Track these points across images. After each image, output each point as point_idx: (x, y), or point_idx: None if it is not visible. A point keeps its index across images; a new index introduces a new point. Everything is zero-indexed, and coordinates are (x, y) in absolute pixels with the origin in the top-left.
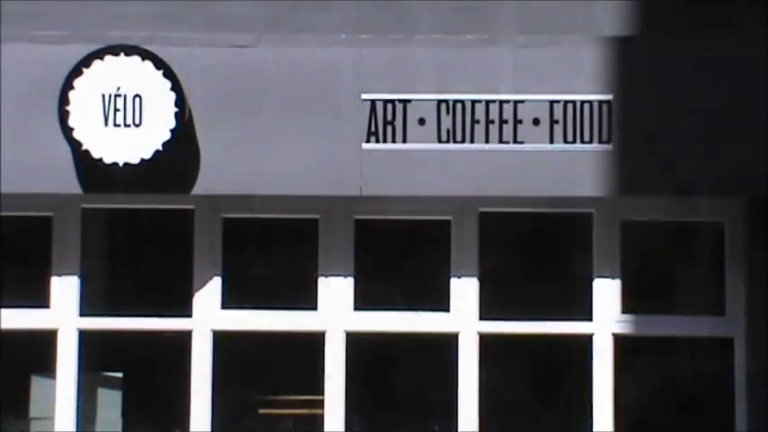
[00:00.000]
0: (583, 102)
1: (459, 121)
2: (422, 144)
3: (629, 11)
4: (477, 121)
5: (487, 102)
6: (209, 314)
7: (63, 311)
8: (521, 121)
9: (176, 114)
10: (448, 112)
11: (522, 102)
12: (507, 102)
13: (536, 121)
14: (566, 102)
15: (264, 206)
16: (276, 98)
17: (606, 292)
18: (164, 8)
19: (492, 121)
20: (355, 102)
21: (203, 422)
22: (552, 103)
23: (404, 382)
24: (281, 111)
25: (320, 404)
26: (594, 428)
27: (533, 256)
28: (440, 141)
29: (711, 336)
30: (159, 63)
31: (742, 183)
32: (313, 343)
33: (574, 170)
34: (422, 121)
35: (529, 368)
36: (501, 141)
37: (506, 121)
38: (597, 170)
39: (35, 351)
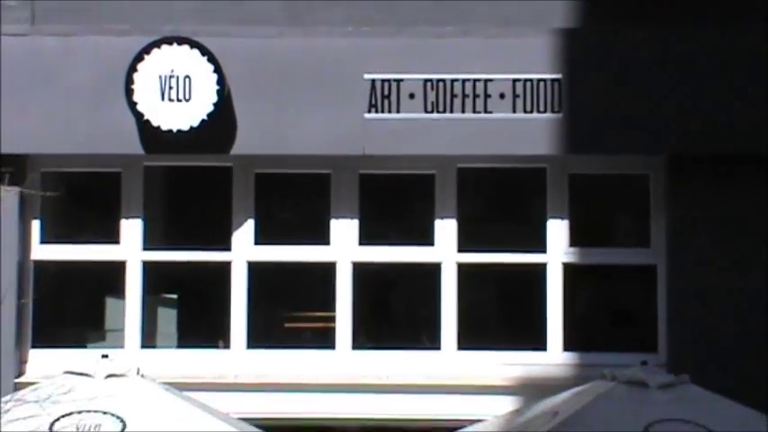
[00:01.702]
0: (538, 80)
1: (440, 96)
2: (412, 114)
3: (576, 7)
4: (456, 96)
5: (463, 80)
6: (244, 249)
7: (130, 246)
8: (489, 96)
9: (218, 91)
10: (432, 89)
11: (491, 80)
12: (479, 80)
13: (501, 96)
14: (525, 80)
15: (288, 163)
16: (296, 78)
17: (557, 230)
18: (207, 6)
19: (467, 96)
20: (359, 81)
21: (241, 334)
22: (514, 81)
23: (398, 301)
24: (300, 88)
25: (333, 319)
26: (547, 336)
27: (500, 202)
28: (426, 112)
29: (639, 263)
30: (204, 50)
31: (662, 143)
32: (327, 271)
33: (531, 134)
34: (411, 96)
35: (496, 290)
36: (474, 111)
37: (478, 96)
38: (550, 134)
39: (109, 278)
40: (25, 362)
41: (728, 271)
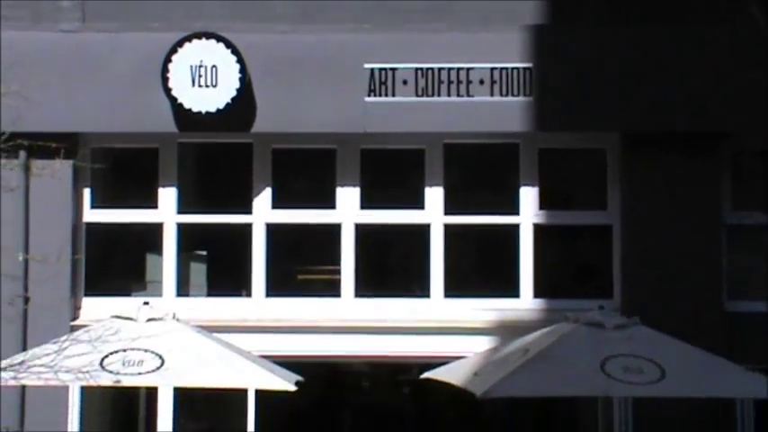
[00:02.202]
0: (512, 68)
1: (429, 82)
2: (405, 97)
3: (543, 7)
4: (442, 82)
5: (449, 69)
6: (263, 212)
7: (166, 210)
8: (471, 82)
9: (240, 79)
10: (422, 76)
11: (472, 69)
12: (462, 69)
13: (481, 81)
14: (501, 68)
15: (300, 139)
16: (306, 67)
17: (528, 196)
18: (232, 6)
19: (452, 82)
20: (360, 69)
21: (260, 284)
22: (492, 69)
23: (394, 257)
24: (310, 76)
25: (338, 272)
26: (520, 285)
27: (480, 172)
28: (417, 95)
29: (597, 224)
30: (228, 44)
31: (616, 122)
32: (333, 231)
33: (506, 114)
34: (405, 82)
35: (477, 247)
36: (458, 95)
37: (461, 82)
38: (522, 114)
39: (149, 237)
40: (79, 308)
41: (673, 230)
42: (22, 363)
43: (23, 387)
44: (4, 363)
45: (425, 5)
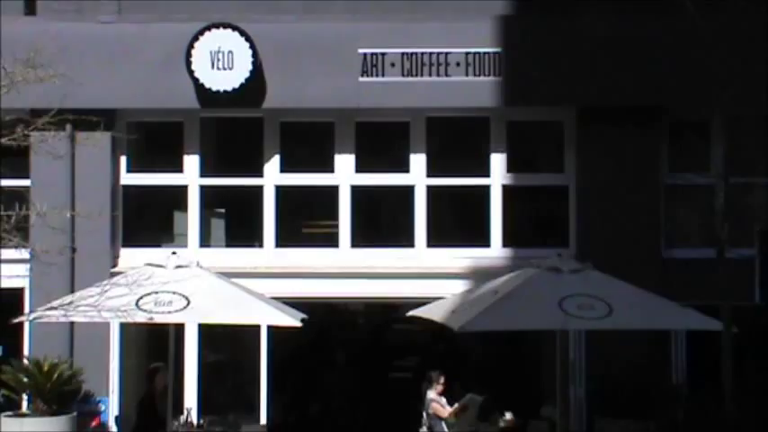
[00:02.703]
0: (484, 52)
1: (414, 64)
2: (392, 77)
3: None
4: (424, 64)
5: (430, 53)
6: (273, 175)
7: (190, 174)
8: (449, 64)
9: (252, 62)
10: (407, 59)
11: (450, 53)
12: (441, 53)
13: (458, 64)
14: (474, 53)
15: (303, 114)
16: (309, 52)
17: (498, 161)
18: (245, 1)
19: (433, 64)
20: (354, 54)
21: (271, 237)
22: (467, 53)
23: (384, 213)
24: (312, 59)
25: (337, 226)
26: (491, 237)
27: (457, 141)
28: (403, 76)
29: (556, 184)
30: (242, 32)
31: (572, 98)
32: (332, 191)
33: (479, 91)
34: (393, 65)
35: (454, 204)
36: (438, 76)
37: (441, 64)
38: (492, 91)
39: (176, 197)
40: (117, 257)
41: (619, 189)
42: (70, 303)
43: (72, 323)
44: (56, 303)
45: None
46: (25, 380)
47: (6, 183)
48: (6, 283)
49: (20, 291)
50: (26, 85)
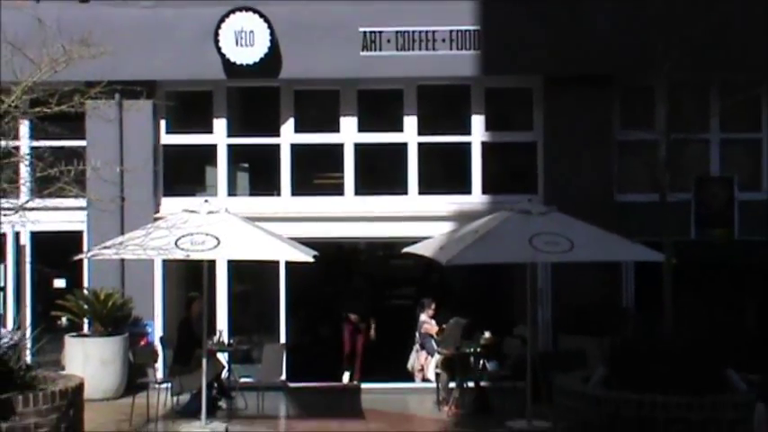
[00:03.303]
0: (465, 30)
1: (407, 40)
2: (389, 52)
3: None
4: (415, 40)
5: (420, 31)
6: (288, 135)
7: (219, 135)
8: (436, 40)
9: (270, 40)
10: (401, 36)
11: (437, 31)
12: (429, 30)
13: (443, 40)
14: (457, 30)
15: (313, 83)
16: (318, 30)
17: (477, 121)
18: None
19: (422, 40)
20: (356, 32)
21: (287, 186)
22: (451, 31)
23: (382, 166)
24: (320, 36)
25: (342, 178)
26: (472, 185)
27: (443, 105)
28: (397, 50)
29: (526, 141)
30: (261, 15)
31: (539, 68)
32: (338, 150)
33: (462, 63)
34: (389, 41)
35: (442, 158)
36: (426, 50)
37: (429, 40)
38: (473, 62)
39: (207, 154)
40: (159, 204)
41: (580, 144)
42: (120, 243)
43: (122, 260)
44: (109, 243)
45: None
46: (85, 307)
47: (66, 143)
48: (68, 227)
49: (79, 233)
50: (81, 61)
